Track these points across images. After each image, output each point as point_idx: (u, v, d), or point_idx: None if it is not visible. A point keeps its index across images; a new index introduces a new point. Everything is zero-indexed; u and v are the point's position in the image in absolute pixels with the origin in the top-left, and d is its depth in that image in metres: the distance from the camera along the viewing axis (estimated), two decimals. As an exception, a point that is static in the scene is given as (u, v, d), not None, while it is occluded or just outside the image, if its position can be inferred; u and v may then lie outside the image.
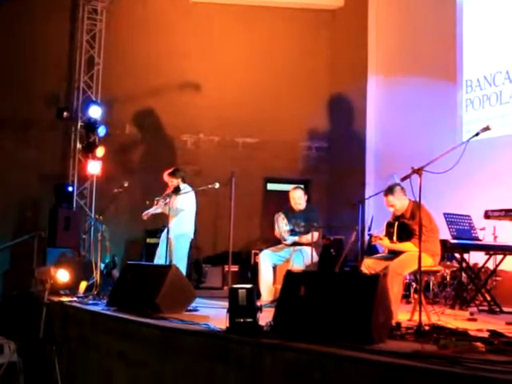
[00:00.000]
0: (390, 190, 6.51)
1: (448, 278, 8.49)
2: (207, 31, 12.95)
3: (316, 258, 7.74)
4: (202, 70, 12.77)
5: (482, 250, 8.05)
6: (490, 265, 8.22)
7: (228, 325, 4.73)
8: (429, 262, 6.20)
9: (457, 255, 7.99)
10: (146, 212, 8.81)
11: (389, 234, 6.40)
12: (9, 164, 11.67)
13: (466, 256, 8.05)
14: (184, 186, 8.83)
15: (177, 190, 8.69)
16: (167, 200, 8.48)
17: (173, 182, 8.80)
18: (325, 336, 4.19)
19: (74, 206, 11.93)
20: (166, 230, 8.53)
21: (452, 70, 11.09)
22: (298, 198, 8.06)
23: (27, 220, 11.94)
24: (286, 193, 8.43)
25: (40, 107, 12.06)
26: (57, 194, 11.64)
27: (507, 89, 10.15)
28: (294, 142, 13.17)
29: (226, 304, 4.89)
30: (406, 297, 8.11)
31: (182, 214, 8.53)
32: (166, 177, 8.89)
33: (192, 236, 8.89)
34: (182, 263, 8.24)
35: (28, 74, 11.99)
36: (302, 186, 8.40)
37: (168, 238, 8.50)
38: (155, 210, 8.83)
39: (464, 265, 8.02)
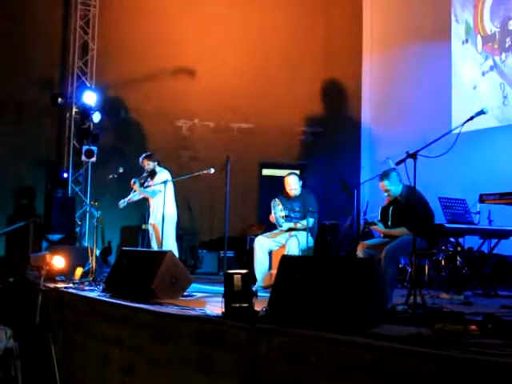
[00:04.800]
0: (385, 175, 6.50)
1: (443, 262, 8.50)
2: (201, 16, 12.88)
3: (311, 243, 7.74)
4: (197, 56, 12.73)
5: (476, 234, 8.05)
6: (485, 249, 8.24)
7: (224, 310, 4.73)
8: (424, 246, 6.21)
9: (452, 239, 8.00)
10: (121, 201, 8.99)
11: (384, 219, 6.41)
12: (3, 150, 11.62)
13: (460, 240, 8.07)
14: (160, 169, 8.93)
15: (153, 173, 8.82)
16: (144, 182, 8.68)
17: (149, 165, 8.91)
18: (320, 321, 4.19)
19: (70, 192, 11.91)
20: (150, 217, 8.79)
21: (447, 54, 11.07)
22: (293, 184, 8.03)
23: (22, 206, 11.92)
24: (281, 178, 8.42)
25: (34, 93, 12.01)
26: (52, 180, 11.63)
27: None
28: (289, 127, 13.15)
29: (221, 289, 4.89)
30: (401, 281, 8.13)
31: (160, 198, 8.51)
32: (142, 160, 8.99)
33: (175, 218, 8.93)
34: (171, 247, 8.23)
35: (21, 60, 11.91)
36: (297, 172, 8.38)
37: (152, 225, 8.76)
38: (132, 197, 8.97)
39: (459, 249, 8.04)
